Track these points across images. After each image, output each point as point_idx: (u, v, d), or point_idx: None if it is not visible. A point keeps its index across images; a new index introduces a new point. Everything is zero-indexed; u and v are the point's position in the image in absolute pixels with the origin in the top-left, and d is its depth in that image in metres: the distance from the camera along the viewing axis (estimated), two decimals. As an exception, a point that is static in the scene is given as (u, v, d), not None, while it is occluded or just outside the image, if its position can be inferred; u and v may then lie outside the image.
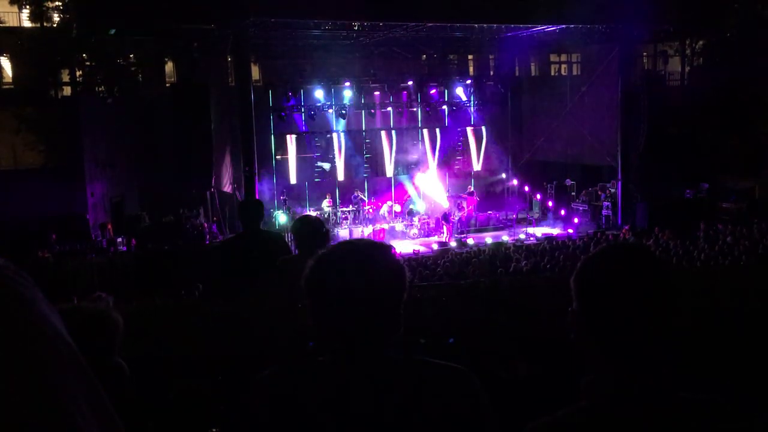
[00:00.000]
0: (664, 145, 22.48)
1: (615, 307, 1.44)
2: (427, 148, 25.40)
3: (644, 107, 22.26)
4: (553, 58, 28.50)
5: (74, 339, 0.85)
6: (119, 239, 19.16)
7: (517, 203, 25.33)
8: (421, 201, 24.63)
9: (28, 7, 21.96)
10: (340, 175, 24.17)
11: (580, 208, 24.09)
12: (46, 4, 21.63)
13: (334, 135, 23.95)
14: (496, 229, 23.28)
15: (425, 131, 25.37)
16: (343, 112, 23.82)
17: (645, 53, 27.91)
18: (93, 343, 1.96)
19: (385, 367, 1.62)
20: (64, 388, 0.79)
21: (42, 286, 0.87)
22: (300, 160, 23.60)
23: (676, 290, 1.47)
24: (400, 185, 24.89)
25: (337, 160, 24.07)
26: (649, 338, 1.43)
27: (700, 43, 26.78)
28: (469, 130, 25.96)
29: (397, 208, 23.78)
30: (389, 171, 24.93)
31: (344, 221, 22.98)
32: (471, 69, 28.67)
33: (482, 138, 26.11)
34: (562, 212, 24.15)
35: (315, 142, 23.91)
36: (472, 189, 25.27)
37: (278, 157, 23.38)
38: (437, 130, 25.58)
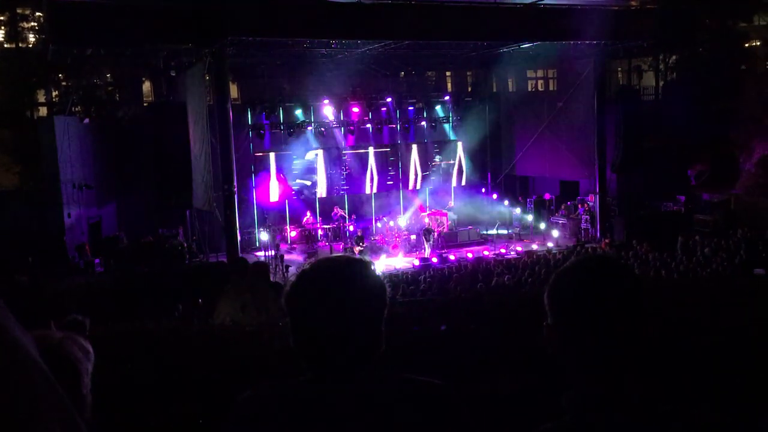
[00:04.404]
0: (640, 158, 22.76)
1: (587, 319, 1.44)
2: (407, 165, 25.47)
3: (620, 122, 22.54)
4: (530, 74, 28.78)
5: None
6: (97, 260, 18.95)
7: (496, 218, 25.44)
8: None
9: (2, 28, 21.80)
10: (321, 192, 24.20)
11: (559, 222, 24.26)
12: (21, 24, 21.49)
13: (314, 152, 23.97)
14: (476, 243, 23.34)
15: (404, 147, 25.45)
16: (322, 129, 23.89)
17: (619, 68, 28.34)
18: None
19: (367, 384, 1.61)
20: (36, 413, 0.78)
21: (18, 309, 0.85)
22: (279, 178, 23.55)
23: (646, 300, 1.48)
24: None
25: (316, 177, 24.08)
26: (624, 349, 1.43)
27: (673, 57, 27.23)
28: (447, 145, 26.10)
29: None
30: (368, 188, 24.98)
31: (324, 238, 23.01)
32: (449, 85, 28.89)
33: (461, 154, 26.24)
34: (542, 226, 24.31)
35: (294, 159, 23.89)
36: (452, 204, 25.39)
37: (257, 175, 23.34)
38: (416, 146, 25.67)
